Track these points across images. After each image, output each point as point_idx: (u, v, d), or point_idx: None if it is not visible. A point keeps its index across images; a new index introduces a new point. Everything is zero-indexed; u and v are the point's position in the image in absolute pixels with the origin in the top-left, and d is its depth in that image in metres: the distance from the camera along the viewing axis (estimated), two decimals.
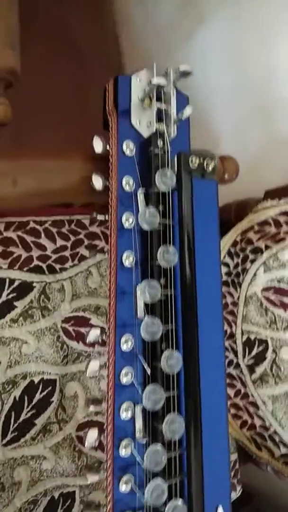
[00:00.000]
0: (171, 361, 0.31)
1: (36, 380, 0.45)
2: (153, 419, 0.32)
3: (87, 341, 0.33)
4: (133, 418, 0.32)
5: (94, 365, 0.33)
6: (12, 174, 0.33)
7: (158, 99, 0.37)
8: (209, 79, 0.76)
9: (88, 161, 0.37)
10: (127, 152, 0.35)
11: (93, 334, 0.32)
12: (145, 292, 0.31)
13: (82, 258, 0.50)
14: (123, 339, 0.32)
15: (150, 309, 0.33)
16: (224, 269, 0.69)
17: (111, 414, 0.31)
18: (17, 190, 0.34)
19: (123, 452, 0.31)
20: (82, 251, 0.50)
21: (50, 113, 0.88)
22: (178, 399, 0.33)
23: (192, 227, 0.33)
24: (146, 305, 0.33)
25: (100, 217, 0.35)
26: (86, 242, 0.51)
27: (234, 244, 0.66)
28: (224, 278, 0.69)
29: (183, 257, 0.34)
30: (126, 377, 0.32)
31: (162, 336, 0.32)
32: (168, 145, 0.36)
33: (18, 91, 0.48)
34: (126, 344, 0.32)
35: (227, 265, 0.68)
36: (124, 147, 0.35)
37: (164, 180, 0.33)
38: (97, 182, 0.35)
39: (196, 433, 0.32)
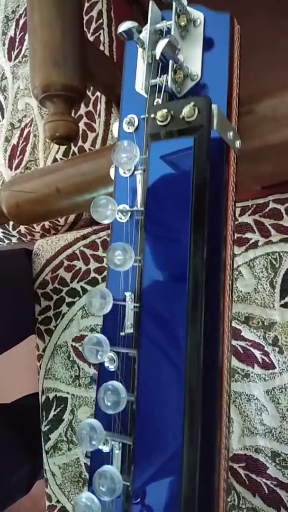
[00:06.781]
0: None
1: None
2: None
3: None
4: None
5: None
6: (54, 184, 0.33)
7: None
8: None
9: None
10: (128, 129, 0.27)
11: None
12: None
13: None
14: None
15: None
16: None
17: None
18: (63, 198, 0.33)
19: None
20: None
21: None
22: None
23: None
24: None
25: None
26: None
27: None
28: None
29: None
30: None
31: None
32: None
33: None
34: None
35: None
36: (125, 122, 0.28)
37: (120, 158, 0.23)
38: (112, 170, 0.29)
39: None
